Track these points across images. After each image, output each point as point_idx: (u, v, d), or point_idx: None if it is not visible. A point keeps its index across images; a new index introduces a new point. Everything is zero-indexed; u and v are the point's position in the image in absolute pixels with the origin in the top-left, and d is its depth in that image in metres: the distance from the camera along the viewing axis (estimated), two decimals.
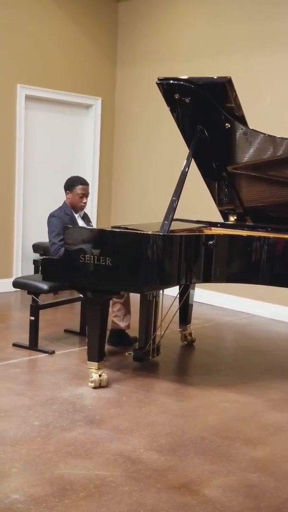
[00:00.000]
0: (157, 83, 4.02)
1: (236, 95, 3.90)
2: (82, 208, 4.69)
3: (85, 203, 4.66)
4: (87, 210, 4.84)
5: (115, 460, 2.92)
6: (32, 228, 6.96)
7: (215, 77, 3.92)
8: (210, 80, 3.95)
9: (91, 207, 7.32)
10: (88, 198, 4.76)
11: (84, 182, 4.64)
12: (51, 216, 4.59)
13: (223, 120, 4.01)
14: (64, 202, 4.68)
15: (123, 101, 7.51)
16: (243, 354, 4.91)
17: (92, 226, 4.95)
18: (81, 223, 4.71)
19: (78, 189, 4.60)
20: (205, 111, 4.03)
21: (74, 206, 4.64)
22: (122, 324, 4.72)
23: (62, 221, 4.50)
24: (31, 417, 3.36)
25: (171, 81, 3.99)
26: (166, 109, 4.19)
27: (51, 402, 3.60)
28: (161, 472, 2.83)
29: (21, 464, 2.82)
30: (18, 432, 3.17)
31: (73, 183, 4.61)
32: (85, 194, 4.63)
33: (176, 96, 4.01)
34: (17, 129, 6.67)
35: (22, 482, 2.67)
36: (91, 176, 7.34)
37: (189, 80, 3.94)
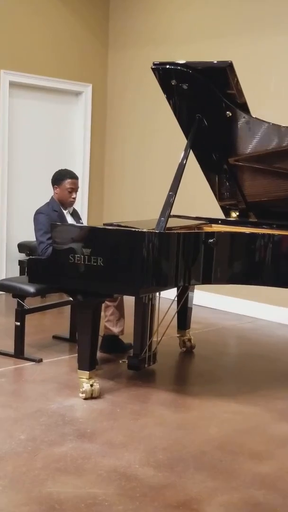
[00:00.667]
0: (152, 68, 4.02)
1: (237, 80, 3.90)
2: (71, 204, 4.69)
3: (75, 198, 4.66)
4: (76, 206, 4.84)
5: (108, 477, 2.91)
6: (17, 226, 6.96)
7: (215, 62, 3.92)
8: (209, 64, 3.95)
9: (81, 203, 7.32)
10: (78, 193, 4.75)
11: (73, 176, 4.64)
12: (38, 213, 4.59)
13: (224, 108, 4.01)
14: (52, 197, 4.68)
15: (116, 87, 7.51)
16: (246, 361, 4.91)
17: (82, 223, 4.95)
18: (70, 220, 4.71)
19: (67, 183, 4.59)
20: (204, 98, 4.04)
21: (62, 202, 4.64)
22: (116, 330, 4.71)
23: (50, 218, 4.50)
24: (17, 431, 3.35)
25: (167, 66, 3.99)
26: (163, 97, 4.19)
27: (39, 414, 3.59)
28: (158, 489, 2.83)
29: (6, 482, 2.82)
30: (3, 447, 3.16)
31: (61, 177, 4.60)
32: (75, 189, 4.63)
33: (173, 82, 4.01)
34: (1, 118, 6.66)
35: (7, 501, 2.66)
36: (81, 169, 7.34)
37: (186, 65, 3.94)
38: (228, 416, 3.75)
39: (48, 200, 4.70)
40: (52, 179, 4.66)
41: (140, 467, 3.03)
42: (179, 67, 3.96)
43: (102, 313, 4.50)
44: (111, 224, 4.17)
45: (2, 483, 2.80)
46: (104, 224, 4.27)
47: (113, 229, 3.86)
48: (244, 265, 3.86)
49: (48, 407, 3.71)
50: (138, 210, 7.03)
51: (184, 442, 3.34)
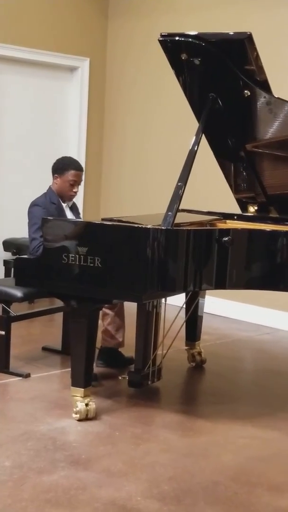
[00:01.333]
0: (159, 40, 4.02)
1: (257, 55, 3.90)
2: (71, 198, 4.70)
3: (76, 192, 4.67)
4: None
5: (106, 511, 2.91)
6: (2, 221, 6.96)
7: (231, 33, 3.92)
8: (225, 36, 3.95)
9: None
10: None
11: (78, 167, 4.64)
12: (33, 205, 4.58)
13: (241, 86, 4.01)
14: (50, 188, 4.67)
15: (116, 62, 7.51)
16: (265, 378, 4.90)
17: (81, 218, 4.94)
18: (69, 215, 4.72)
19: (70, 174, 4.59)
20: (218, 75, 4.03)
21: (61, 195, 4.64)
22: (115, 341, 4.71)
23: (47, 211, 4.50)
24: (1, 457, 3.35)
25: (177, 38, 3.99)
26: (170, 73, 4.19)
27: (26, 437, 3.59)
28: None
29: None
30: None
31: (65, 166, 4.60)
32: (77, 182, 4.64)
33: (183, 56, 4.01)
34: None
35: None
36: (76, 156, 7.28)
37: (199, 37, 3.93)
38: (244, 441, 3.74)
39: (45, 191, 4.68)
40: (53, 167, 4.64)
41: (142, 499, 3.02)
42: (190, 39, 3.95)
43: (100, 322, 4.49)
44: (110, 219, 4.16)
45: None
46: (102, 219, 4.26)
47: (113, 225, 3.85)
48: (264, 268, 3.85)
49: (36, 429, 3.70)
50: (141, 204, 7.02)
51: (193, 471, 3.33)
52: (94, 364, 4.13)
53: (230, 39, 3.92)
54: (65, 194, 4.64)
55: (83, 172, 4.71)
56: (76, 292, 3.79)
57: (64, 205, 4.68)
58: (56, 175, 4.63)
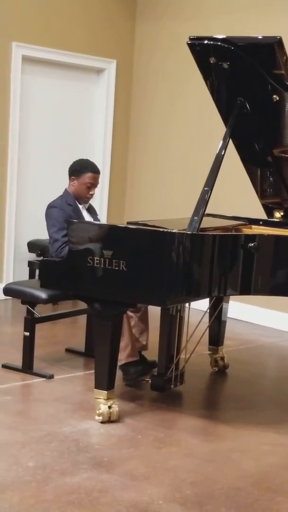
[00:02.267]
0: (188, 44, 4.05)
1: (287, 59, 3.90)
2: (88, 200, 4.73)
3: (92, 195, 4.70)
4: (94, 201, 4.86)
5: None
6: (27, 223, 7.03)
7: (261, 37, 3.94)
8: (254, 40, 3.97)
9: (100, 198, 7.37)
10: (97, 188, 4.78)
11: (95, 170, 4.67)
12: (51, 207, 4.63)
13: (270, 91, 4.02)
14: (66, 190, 4.72)
15: (143, 64, 7.55)
16: None
17: (99, 220, 4.98)
18: (86, 216, 4.75)
19: (87, 177, 4.63)
20: (247, 79, 4.05)
21: (78, 197, 4.68)
22: (138, 344, 4.73)
23: (65, 212, 4.54)
24: (25, 457, 3.40)
25: (206, 42, 4.01)
26: (196, 75, 4.22)
27: (49, 439, 3.64)
28: None
29: None
30: (8, 474, 3.21)
31: (82, 169, 4.64)
32: (94, 184, 4.66)
33: (212, 60, 4.03)
34: (11, 98, 6.74)
35: None
36: (102, 159, 7.39)
37: (228, 40, 3.96)
38: (266, 448, 3.76)
39: (61, 193, 4.73)
40: (70, 169, 4.69)
41: (164, 503, 3.05)
42: (219, 43, 3.97)
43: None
44: (135, 223, 4.20)
45: None
46: (128, 223, 4.30)
47: (138, 229, 3.89)
48: None
49: (59, 430, 3.75)
50: (166, 208, 7.05)
51: (215, 477, 3.36)
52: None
53: (260, 43, 3.93)
54: (81, 197, 4.68)
55: (100, 175, 4.74)
56: (100, 295, 3.83)
57: (80, 206, 4.72)
58: (73, 177, 4.66)
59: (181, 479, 3.30)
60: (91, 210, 4.85)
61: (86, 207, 4.79)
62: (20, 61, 6.76)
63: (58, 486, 3.13)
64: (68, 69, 7.23)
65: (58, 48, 6.98)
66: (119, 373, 4.14)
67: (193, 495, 3.15)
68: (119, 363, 4.39)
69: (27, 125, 6.96)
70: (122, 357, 4.38)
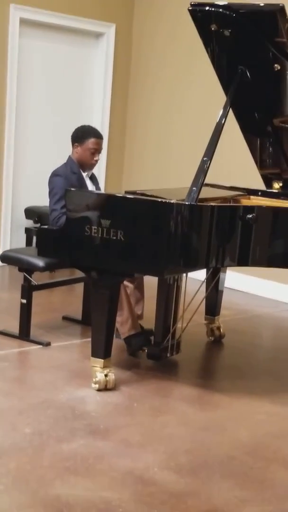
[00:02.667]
0: (189, 10, 4.02)
1: None
2: (93, 166, 4.73)
3: (97, 160, 4.69)
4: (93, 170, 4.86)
5: (123, 480, 2.99)
6: (24, 188, 7.02)
7: (262, 4, 3.91)
8: (256, 8, 3.94)
9: (98, 166, 7.29)
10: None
11: (98, 135, 4.66)
12: (54, 175, 4.62)
13: (271, 59, 4.00)
14: (70, 157, 4.70)
15: (142, 29, 7.47)
16: (283, 355, 4.96)
17: (100, 189, 4.98)
18: (90, 185, 4.75)
19: (90, 142, 4.61)
20: (248, 47, 4.03)
21: (82, 164, 4.67)
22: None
23: (68, 181, 4.54)
24: (21, 423, 3.44)
25: (207, 8, 3.98)
26: (199, 42, 4.19)
27: (46, 405, 3.68)
28: (179, 497, 2.90)
29: (9, 480, 2.91)
30: (5, 441, 3.25)
31: (84, 135, 4.62)
32: (98, 150, 4.66)
33: (213, 27, 4.00)
34: (9, 62, 6.70)
35: (9, 502, 2.75)
36: (100, 125, 7.34)
37: (230, 7, 3.92)
38: (261, 417, 3.81)
39: (64, 161, 4.72)
40: (73, 136, 4.68)
41: (159, 470, 3.11)
42: (220, 10, 3.94)
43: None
44: (134, 192, 4.20)
45: (4, 482, 2.90)
46: (126, 192, 4.30)
47: (137, 199, 3.89)
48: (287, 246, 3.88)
49: (56, 397, 3.79)
50: (164, 177, 7.04)
51: (209, 445, 3.41)
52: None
53: (262, 10, 3.90)
54: (86, 163, 4.68)
55: (103, 140, 4.73)
56: (97, 265, 3.85)
57: (84, 174, 4.72)
58: (76, 143, 4.65)
59: (176, 447, 3.35)
60: (93, 179, 4.85)
61: (89, 176, 4.79)
62: (18, 23, 6.70)
63: (54, 452, 3.18)
64: (67, 33, 7.16)
65: (57, 11, 6.90)
66: (115, 342, 4.18)
67: (187, 463, 3.20)
68: (122, 336, 4.44)
69: (24, 89, 6.91)
70: (125, 331, 4.43)
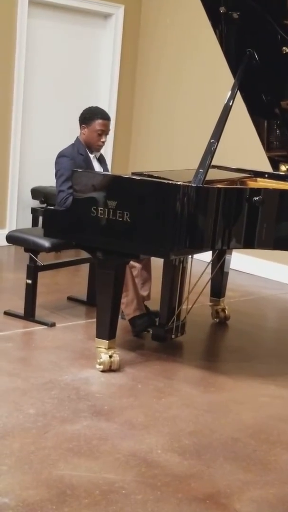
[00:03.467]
0: None
1: None
2: (100, 148, 4.68)
3: (104, 142, 4.64)
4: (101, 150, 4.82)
5: (127, 462, 2.97)
6: (31, 169, 6.97)
7: None
8: None
9: (105, 147, 7.23)
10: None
11: (105, 116, 4.61)
12: (61, 155, 4.57)
13: (280, 42, 3.95)
14: (78, 138, 4.65)
15: (151, 10, 7.38)
16: None
17: (109, 171, 4.93)
18: (97, 166, 4.70)
19: (98, 124, 4.56)
20: (257, 30, 3.99)
21: (89, 145, 4.62)
22: (141, 294, 4.74)
23: (75, 162, 4.49)
24: (26, 404, 3.42)
25: None
26: (206, 23, 4.14)
27: (50, 386, 3.66)
28: (183, 479, 2.88)
29: (12, 461, 2.89)
30: (9, 421, 3.23)
31: (92, 116, 4.57)
32: (105, 131, 4.61)
33: (222, 9, 3.96)
34: (17, 43, 6.63)
35: (13, 483, 2.73)
36: (107, 107, 7.26)
37: None
38: (265, 400, 3.78)
39: (71, 141, 4.67)
40: (80, 118, 4.62)
41: (163, 452, 3.08)
42: None
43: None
44: (140, 174, 4.15)
45: (7, 462, 2.87)
46: (133, 174, 4.25)
47: (144, 180, 3.85)
48: None
49: (60, 378, 3.77)
50: (171, 159, 6.98)
51: (213, 427, 3.38)
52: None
53: None
54: (93, 144, 4.63)
55: (110, 122, 4.68)
56: (103, 246, 3.81)
57: (91, 156, 4.67)
58: (83, 125, 4.60)
59: (180, 428, 3.33)
60: (101, 160, 4.80)
61: (97, 157, 4.74)
62: (27, 4, 6.62)
63: (58, 433, 3.16)
64: (75, 14, 7.08)
65: None
66: (120, 323, 4.15)
67: (191, 444, 3.18)
68: (127, 317, 4.41)
69: (32, 70, 6.85)
70: (130, 312, 4.40)
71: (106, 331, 3.90)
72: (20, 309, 4.69)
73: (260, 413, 3.61)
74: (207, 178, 3.76)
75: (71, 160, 4.52)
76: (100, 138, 4.59)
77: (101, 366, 3.89)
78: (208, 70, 6.72)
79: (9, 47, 6.59)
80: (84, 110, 4.64)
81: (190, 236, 3.66)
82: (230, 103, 3.92)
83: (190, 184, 3.62)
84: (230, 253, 4.96)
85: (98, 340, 3.93)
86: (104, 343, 3.91)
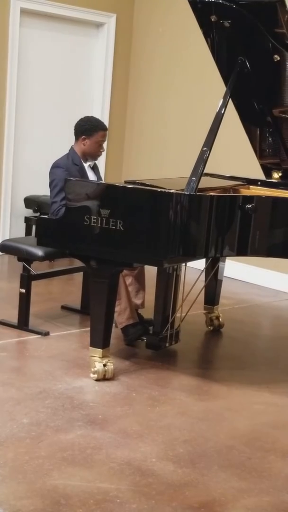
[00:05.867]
0: (189, 1, 3.98)
1: None
2: (98, 157, 4.71)
3: (103, 151, 4.67)
4: None
5: (121, 471, 2.96)
6: (24, 177, 6.97)
7: None
8: None
9: None
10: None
11: (105, 127, 4.64)
12: (56, 166, 4.57)
13: (271, 50, 3.96)
14: (72, 148, 4.64)
15: (143, 19, 7.41)
16: (282, 345, 4.93)
17: (102, 179, 4.94)
18: (92, 176, 4.71)
19: (100, 135, 4.57)
20: (248, 38, 3.99)
21: (89, 155, 4.61)
22: (134, 302, 4.73)
23: (70, 173, 4.49)
24: (19, 413, 3.41)
25: None
26: (197, 32, 4.16)
27: (44, 395, 3.65)
28: (177, 487, 2.87)
29: (6, 471, 2.88)
30: (3, 431, 3.22)
31: (93, 127, 4.55)
32: (104, 141, 4.64)
33: (213, 18, 3.96)
34: (9, 52, 6.64)
35: (7, 493, 2.72)
36: (100, 115, 7.27)
37: None
38: (259, 407, 3.78)
39: (64, 150, 4.67)
40: (79, 129, 4.58)
41: (157, 461, 3.08)
42: (220, 1, 3.90)
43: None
44: (133, 182, 4.16)
45: (1, 472, 2.86)
46: (126, 182, 4.26)
47: (136, 188, 3.86)
48: (286, 236, 3.84)
49: (54, 387, 3.76)
50: (164, 167, 6.99)
51: (208, 435, 3.38)
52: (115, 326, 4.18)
53: (262, 1, 3.86)
54: (94, 155, 4.64)
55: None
56: (97, 254, 3.81)
57: (86, 165, 4.68)
58: (84, 136, 4.58)
59: (174, 437, 3.32)
60: (95, 170, 4.81)
61: (92, 166, 4.74)
62: (19, 13, 6.64)
63: (52, 442, 3.15)
64: (67, 23, 7.10)
65: (57, 1, 6.84)
66: (115, 332, 4.15)
67: (186, 453, 3.18)
68: (120, 326, 4.41)
69: (25, 79, 6.86)
70: (123, 320, 4.40)
71: (100, 339, 3.90)
72: (13, 318, 4.69)
73: (254, 420, 3.61)
74: (200, 186, 3.77)
75: (65, 170, 4.51)
76: (100, 148, 4.62)
77: (95, 375, 3.88)
78: (200, 78, 6.74)
79: (1, 57, 6.60)
80: (81, 121, 4.61)
81: (183, 244, 3.66)
82: (222, 111, 3.93)
83: (183, 192, 3.63)
84: (224, 261, 4.97)
85: (92, 349, 3.92)
86: (98, 351, 3.90)
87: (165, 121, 7.26)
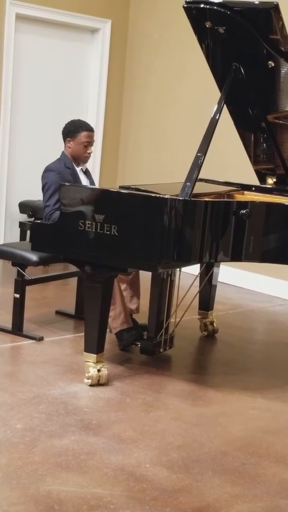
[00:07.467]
0: (184, 7, 3.98)
1: (283, 24, 3.86)
2: (87, 159, 4.69)
3: (90, 153, 4.66)
4: (87, 165, 4.83)
5: (115, 476, 2.96)
6: (18, 182, 6.98)
7: (257, 2, 3.89)
8: (251, 5, 3.91)
9: (93, 161, 7.29)
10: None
11: (89, 128, 4.63)
12: (48, 170, 4.58)
13: (266, 56, 3.98)
14: (63, 153, 4.66)
15: (138, 25, 7.43)
16: (277, 350, 4.93)
17: (94, 184, 4.95)
18: (84, 179, 4.72)
19: (83, 136, 4.58)
20: (242, 44, 4.01)
21: (76, 158, 4.63)
22: (129, 308, 4.73)
23: (62, 176, 4.50)
24: (13, 419, 3.40)
25: (202, 5, 3.96)
26: (193, 38, 4.16)
27: (38, 400, 3.64)
28: (171, 493, 2.87)
29: None
30: None
31: (76, 128, 4.58)
32: (91, 143, 4.63)
33: (208, 24, 3.97)
34: (4, 57, 6.65)
35: (0, 498, 2.71)
36: (95, 121, 7.31)
37: (224, 5, 3.89)
38: (253, 413, 3.78)
39: (59, 156, 4.68)
40: (64, 131, 4.63)
41: (151, 466, 3.07)
42: (215, 7, 3.92)
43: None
44: (128, 188, 4.17)
45: None
46: (120, 187, 4.27)
47: (131, 194, 3.86)
48: (281, 242, 3.84)
49: (48, 392, 3.75)
50: (158, 171, 7.00)
51: (202, 441, 3.38)
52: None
53: (257, 8, 3.88)
54: (80, 157, 4.64)
55: (94, 133, 4.69)
56: (91, 259, 3.81)
57: (78, 169, 4.68)
58: (68, 138, 4.61)
59: (168, 442, 3.32)
60: (87, 174, 4.81)
61: (84, 170, 4.75)
62: (14, 19, 6.66)
63: (46, 448, 3.14)
64: (63, 29, 7.12)
65: (53, 7, 6.86)
66: (109, 337, 4.14)
67: (180, 458, 3.17)
68: (114, 331, 4.40)
69: (20, 84, 6.87)
70: (117, 325, 4.39)
71: (94, 345, 3.90)
72: (7, 323, 4.68)
73: (248, 426, 3.61)
74: (195, 191, 3.78)
75: (57, 174, 4.52)
76: (86, 149, 4.61)
77: (89, 380, 3.88)
78: (196, 84, 6.76)
79: None
80: (66, 124, 4.66)
81: (178, 249, 3.66)
82: (217, 117, 3.93)
83: (177, 198, 3.63)
84: (218, 266, 4.97)
85: (86, 354, 3.92)
86: (92, 357, 3.90)
87: (160, 126, 7.27)
